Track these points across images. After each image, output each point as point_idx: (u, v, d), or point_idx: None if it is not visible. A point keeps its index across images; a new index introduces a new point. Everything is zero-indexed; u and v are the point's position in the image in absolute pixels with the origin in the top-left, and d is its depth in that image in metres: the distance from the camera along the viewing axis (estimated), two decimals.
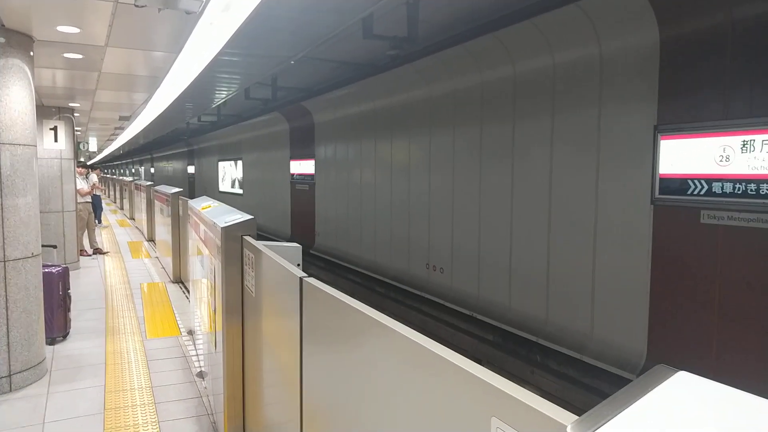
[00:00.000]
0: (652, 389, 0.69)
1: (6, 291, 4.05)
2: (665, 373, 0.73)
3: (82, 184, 10.59)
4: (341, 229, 11.59)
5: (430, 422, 1.12)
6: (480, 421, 0.94)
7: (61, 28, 4.32)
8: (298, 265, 2.76)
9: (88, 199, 10.79)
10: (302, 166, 13.63)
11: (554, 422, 0.74)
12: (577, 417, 0.70)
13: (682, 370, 0.75)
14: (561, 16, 5.58)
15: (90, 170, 12.23)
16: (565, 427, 0.67)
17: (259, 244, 2.67)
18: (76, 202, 10.41)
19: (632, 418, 0.65)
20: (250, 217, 3.08)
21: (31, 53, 4.43)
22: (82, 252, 10.20)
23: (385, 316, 1.34)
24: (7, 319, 4.07)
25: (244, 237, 2.96)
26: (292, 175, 14.27)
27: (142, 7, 3.32)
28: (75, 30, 4.38)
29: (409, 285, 8.92)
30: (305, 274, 1.94)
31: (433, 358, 1.10)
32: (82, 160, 12.03)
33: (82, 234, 10.53)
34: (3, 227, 4.02)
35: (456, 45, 7.02)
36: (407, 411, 1.22)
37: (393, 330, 1.25)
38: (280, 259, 2.30)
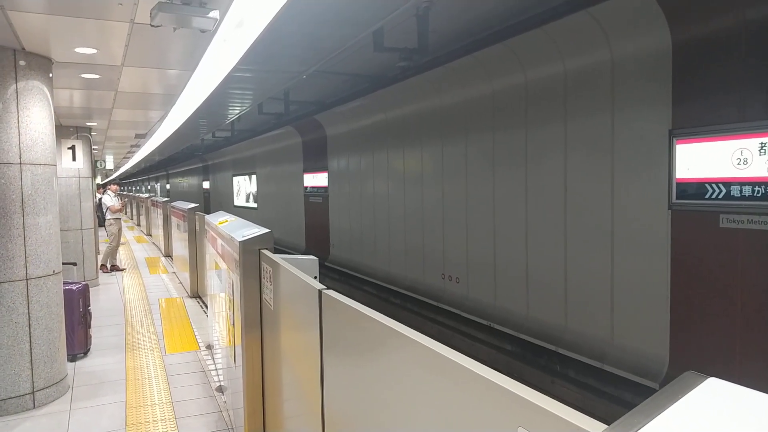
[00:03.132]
0: (682, 397, 0.69)
1: (29, 309, 4.11)
2: (695, 380, 0.72)
3: (113, 201, 10.80)
4: (356, 241, 11.60)
5: None
6: None
7: (79, 50, 4.41)
8: (315, 277, 2.77)
9: (119, 215, 11.00)
10: (316, 179, 13.70)
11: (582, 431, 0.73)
12: (606, 426, 0.69)
13: (709, 376, 0.75)
14: (571, 23, 5.58)
15: (106, 187, 12.43)
16: None
17: (277, 258, 2.69)
18: (106, 219, 10.66)
19: (664, 426, 0.64)
20: (267, 230, 3.10)
21: (50, 75, 4.53)
22: (102, 268, 10.40)
23: (407, 327, 1.34)
24: (30, 336, 4.13)
25: (262, 250, 2.98)
26: (306, 187, 14.35)
27: (158, 26, 3.39)
28: (92, 51, 4.47)
29: (424, 295, 8.89)
30: (324, 287, 1.94)
31: (457, 369, 1.10)
32: (105, 185, 12.27)
33: (113, 250, 10.76)
34: (25, 246, 4.09)
35: (466, 54, 7.04)
36: (431, 422, 1.21)
37: (416, 341, 1.25)
38: (299, 272, 2.31)
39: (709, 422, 0.64)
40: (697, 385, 0.71)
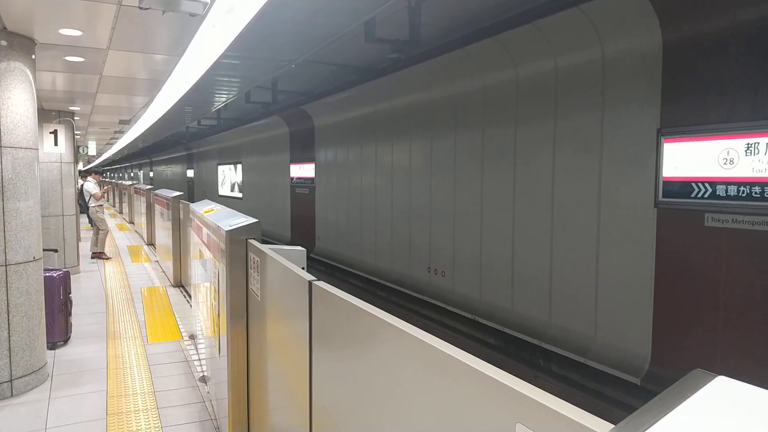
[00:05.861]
0: (690, 395, 0.67)
1: (7, 295, 4.02)
2: (703, 378, 0.70)
3: (95, 189, 10.74)
4: (342, 233, 11.56)
5: (450, 429, 1.10)
6: (504, 428, 0.92)
7: (64, 31, 4.30)
8: (303, 268, 2.74)
9: (102, 202, 10.91)
10: (302, 170, 13.61)
11: (588, 431, 0.71)
12: (612, 425, 0.68)
13: (718, 374, 0.73)
14: (563, 20, 5.58)
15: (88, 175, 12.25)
16: None
17: (265, 248, 2.65)
18: (90, 206, 10.62)
19: (673, 426, 0.62)
20: (254, 220, 3.05)
21: (33, 56, 4.42)
22: (101, 255, 10.40)
23: (400, 320, 1.32)
24: (9, 323, 4.04)
25: (249, 240, 2.94)
26: (292, 178, 14.25)
27: (146, 9, 3.31)
28: (77, 33, 4.36)
29: (410, 288, 8.89)
30: (314, 278, 1.91)
31: (453, 363, 1.08)
32: (87, 171, 12.14)
33: (105, 235, 10.70)
34: (4, 231, 3.99)
35: (458, 48, 7.01)
36: (425, 417, 1.19)
37: (410, 335, 1.23)
38: (288, 262, 2.28)
39: (718, 422, 0.63)
40: (705, 383, 0.69)
